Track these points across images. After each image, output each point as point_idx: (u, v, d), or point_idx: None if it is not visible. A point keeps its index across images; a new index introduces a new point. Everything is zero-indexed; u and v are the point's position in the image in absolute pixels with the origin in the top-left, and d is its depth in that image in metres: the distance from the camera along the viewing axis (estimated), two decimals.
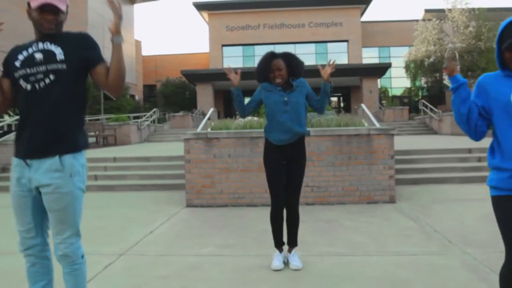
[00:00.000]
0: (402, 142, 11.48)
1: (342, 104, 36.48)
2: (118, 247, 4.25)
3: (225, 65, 4.13)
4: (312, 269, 3.48)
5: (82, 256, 2.29)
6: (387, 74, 33.01)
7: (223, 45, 33.68)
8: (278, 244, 3.61)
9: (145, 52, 59.62)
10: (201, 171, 6.53)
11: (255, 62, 32.75)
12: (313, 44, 34.08)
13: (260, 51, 33.59)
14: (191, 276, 3.38)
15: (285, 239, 3.67)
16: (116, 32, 2.19)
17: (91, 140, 15.66)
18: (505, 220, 2.04)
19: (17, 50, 2.26)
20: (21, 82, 2.16)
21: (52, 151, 2.14)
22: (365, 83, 30.10)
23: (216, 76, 29.95)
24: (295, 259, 3.52)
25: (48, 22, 2.17)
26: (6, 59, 2.25)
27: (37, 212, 2.23)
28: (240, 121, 7.47)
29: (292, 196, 3.53)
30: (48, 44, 2.20)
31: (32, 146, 2.13)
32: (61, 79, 2.16)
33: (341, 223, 5.17)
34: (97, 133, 16.51)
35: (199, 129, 7.39)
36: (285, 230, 3.65)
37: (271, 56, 3.54)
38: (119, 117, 19.71)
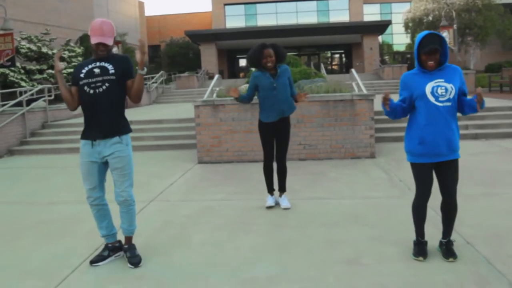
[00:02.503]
0: None
1: (344, 60, 37.01)
2: (147, 195, 5.43)
3: (228, 25, 5.18)
4: (297, 208, 4.64)
5: (134, 200, 3.43)
6: (388, 30, 33.24)
7: (225, 4, 33.78)
8: (270, 190, 4.77)
9: (148, 12, 59.13)
10: (210, 132, 7.64)
11: (257, 21, 32.98)
12: (315, 2, 34.16)
13: (262, 10, 33.89)
14: (208, 214, 4.57)
15: (276, 187, 4.81)
16: (141, 67, 3.22)
17: None
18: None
19: (81, 66, 3.30)
20: (85, 88, 3.21)
21: (114, 134, 3.25)
22: (366, 40, 30.53)
23: (219, 36, 30.39)
24: (284, 201, 4.68)
25: (101, 51, 3.22)
26: (74, 73, 3.31)
27: (100, 175, 3.35)
28: (242, 88, 8.46)
29: (281, 154, 4.64)
30: (103, 62, 3.25)
31: (101, 132, 3.22)
32: (112, 86, 3.22)
33: (326, 175, 6.31)
34: None
35: (205, 97, 8.40)
36: (276, 181, 4.78)
37: (262, 46, 4.48)
38: None
